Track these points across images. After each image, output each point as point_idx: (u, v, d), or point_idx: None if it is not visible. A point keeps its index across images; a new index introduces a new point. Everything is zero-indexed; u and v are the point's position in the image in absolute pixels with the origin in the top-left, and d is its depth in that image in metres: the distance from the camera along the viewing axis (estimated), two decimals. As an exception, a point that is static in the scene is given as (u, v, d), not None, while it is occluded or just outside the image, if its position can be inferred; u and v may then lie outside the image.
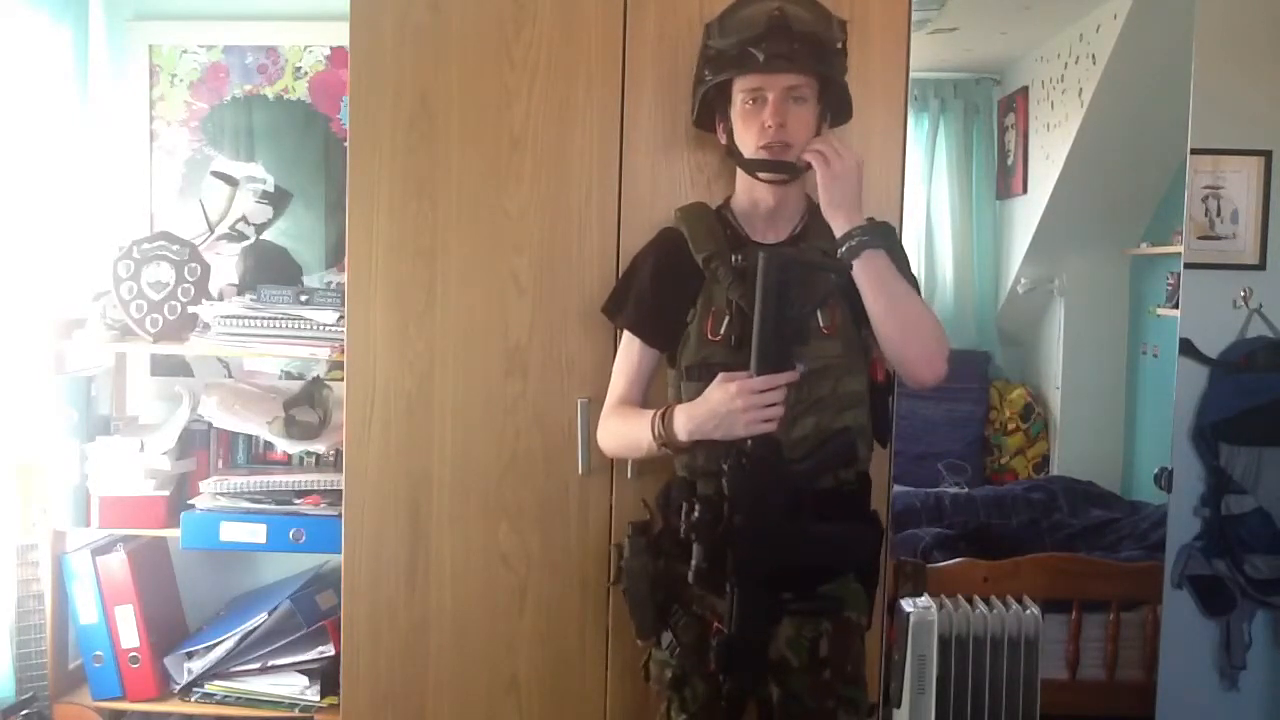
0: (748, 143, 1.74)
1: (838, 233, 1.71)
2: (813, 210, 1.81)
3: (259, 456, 2.56)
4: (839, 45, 1.76)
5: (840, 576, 1.73)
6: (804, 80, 1.72)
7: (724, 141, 1.82)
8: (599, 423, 1.91)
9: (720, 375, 1.64)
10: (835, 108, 1.82)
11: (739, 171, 1.81)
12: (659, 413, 1.72)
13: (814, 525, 1.66)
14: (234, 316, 2.38)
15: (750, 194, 1.80)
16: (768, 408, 1.60)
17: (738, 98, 1.75)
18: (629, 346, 1.88)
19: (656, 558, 1.74)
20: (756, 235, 1.80)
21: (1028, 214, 4.77)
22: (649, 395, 1.89)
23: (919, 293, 1.80)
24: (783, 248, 1.75)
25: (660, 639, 1.76)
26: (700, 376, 1.73)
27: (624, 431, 1.82)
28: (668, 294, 1.81)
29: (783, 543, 1.62)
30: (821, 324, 1.70)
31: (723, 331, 1.72)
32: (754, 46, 1.69)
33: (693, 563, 1.62)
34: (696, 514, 1.62)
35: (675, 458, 1.77)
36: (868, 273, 1.69)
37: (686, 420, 1.67)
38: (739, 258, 1.71)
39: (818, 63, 1.72)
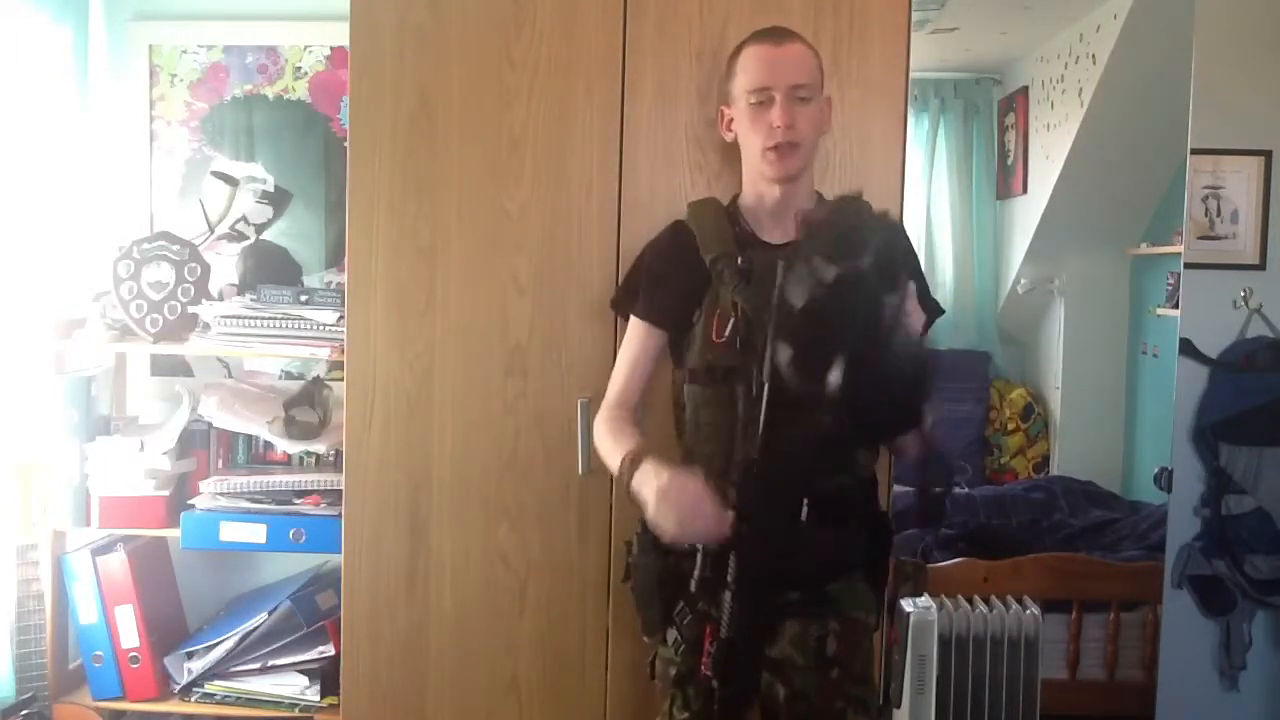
0: (754, 143, 1.75)
1: None
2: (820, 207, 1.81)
3: (259, 456, 2.56)
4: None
5: (847, 577, 1.73)
6: (809, 80, 1.74)
7: (729, 138, 1.84)
8: (597, 415, 1.87)
9: (674, 475, 1.59)
10: None
11: (745, 170, 1.82)
12: (629, 455, 1.69)
13: (818, 530, 1.65)
14: (234, 316, 2.38)
15: (756, 190, 1.81)
16: (679, 516, 1.57)
17: (742, 99, 1.76)
18: (633, 336, 1.86)
19: (664, 555, 1.74)
20: (764, 234, 1.79)
21: (1028, 214, 4.77)
22: (649, 394, 1.89)
23: (929, 293, 1.80)
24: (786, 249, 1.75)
25: (666, 636, 1.77)
26: (704, 380, 1.74)
27: (605, 450, 1.80)
28: (678, 283, 1.79)
29: (788, 548, 1.62)
30: None
31: (727, 334, 1.71)
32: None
33: (695, 572, 1.62)
34: None
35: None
36: None
37: (640, 480, 1.63)
38: (744, 260, 1.71)
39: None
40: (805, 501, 1.62)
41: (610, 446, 1.78)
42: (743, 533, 1.58)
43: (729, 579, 1.60)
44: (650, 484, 1.60)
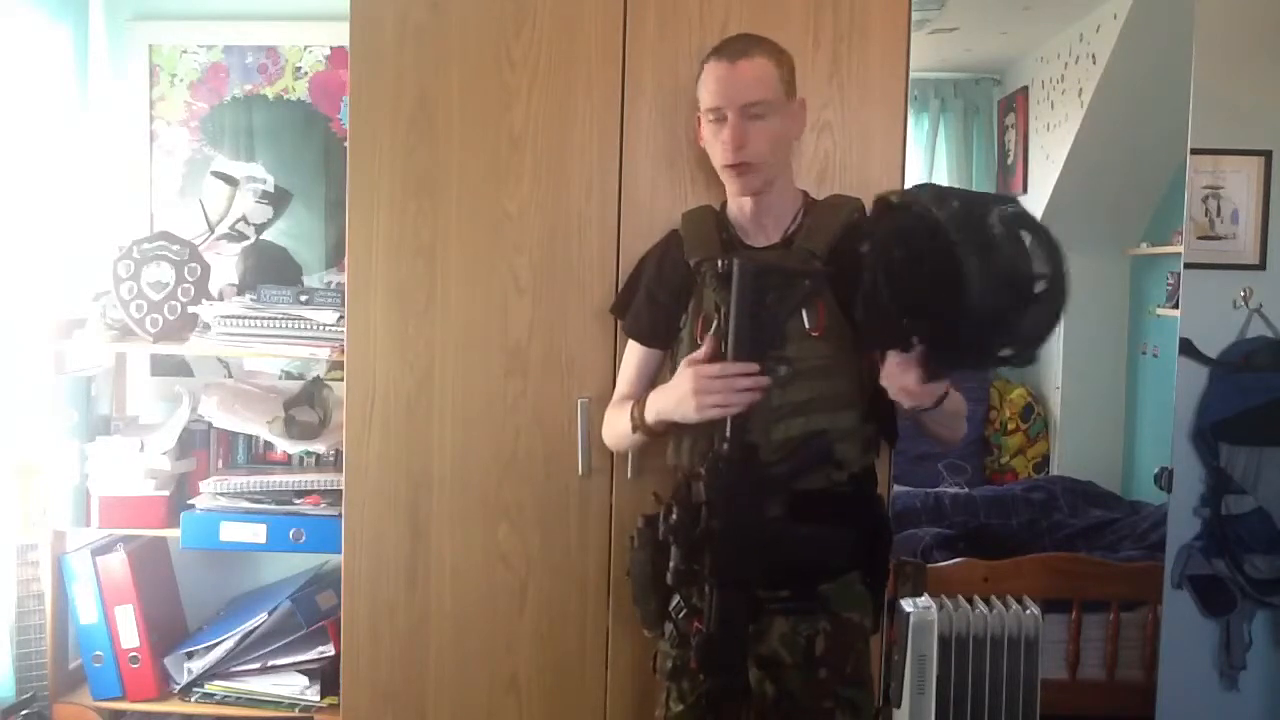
0: (715, 159, 1.78)
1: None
2: (808, 208, 1.81)
3: (259, 456, 2.56)
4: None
5: (842, 576, 1.73)
6: (762, 97, 1.70)
7: (704, 145, 1.84)
8: (605, 413, 1.95)
9: (685, 359, 1.68)
10: None
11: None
12: (638, 400, 1.79)
13: (795, 526, 1.67)
14: (234, 316, 2.38)
15: (735, 199, 1.82)
16: (718, 394, 1.61)
17: (702, 116, 1.77)
18: (633, 345, 1.93)
19: (661, 551, 1.74)
20: (749, 238, 1.80)
21: (1028, 214, 4.77)
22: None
23: None
24: (768, 252, 1.76)
25: (664, 630, 1.78)
26: None
27: (613, 421, 1.90)
28: (665, 297, 1.85)
29: (761, 544, 1.63)
30: (808, 325, 1.69)
31: (711, 335, 1.72)
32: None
33: (670, 564, 1.65)
34: (674, 517, 1.64)
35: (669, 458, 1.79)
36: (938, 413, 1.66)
37: (652, 401, 1.75)
38: (722, 262, 1.71)
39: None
40: (776, 498, 1.65)
41: (617, 414, 1.87)
42: (713, 528, 1.61)
43: (709, 572, 1.62)
44: (666, 396, 1.69)
